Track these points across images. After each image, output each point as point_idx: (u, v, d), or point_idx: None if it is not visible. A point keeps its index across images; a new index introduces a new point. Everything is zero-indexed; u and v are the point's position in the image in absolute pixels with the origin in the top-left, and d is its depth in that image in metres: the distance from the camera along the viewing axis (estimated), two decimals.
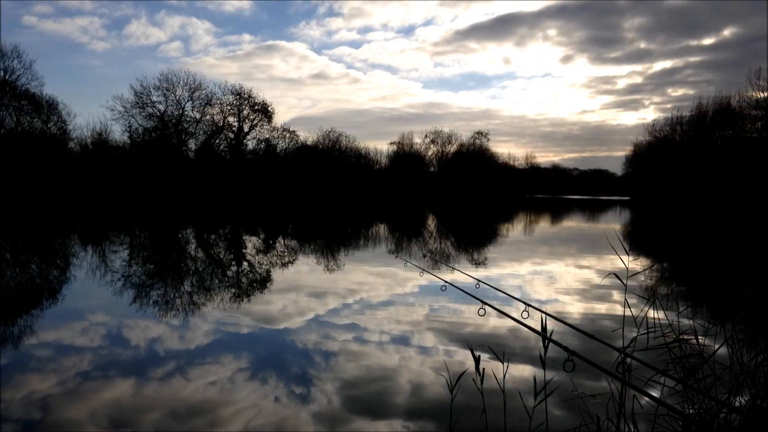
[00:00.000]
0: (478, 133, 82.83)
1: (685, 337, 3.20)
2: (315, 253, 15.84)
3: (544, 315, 3.07)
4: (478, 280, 5.60)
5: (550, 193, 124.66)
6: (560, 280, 10.97)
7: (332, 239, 20.44)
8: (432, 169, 79.79)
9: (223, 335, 6.61)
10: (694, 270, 13.61)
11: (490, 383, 2.84)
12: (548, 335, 2.80)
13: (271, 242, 19.18)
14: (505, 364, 2.92)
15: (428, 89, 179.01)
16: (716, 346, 3.16)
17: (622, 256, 3.31)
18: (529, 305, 3.79)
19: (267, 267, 12.67)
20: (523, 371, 5.30)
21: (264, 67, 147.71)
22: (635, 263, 3.51)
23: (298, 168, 55.60)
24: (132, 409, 4.36)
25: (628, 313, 3.18)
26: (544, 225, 31.93)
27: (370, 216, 35.64)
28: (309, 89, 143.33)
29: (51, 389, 4.78)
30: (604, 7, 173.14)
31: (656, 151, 61.16)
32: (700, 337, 3.24)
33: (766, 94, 43.88)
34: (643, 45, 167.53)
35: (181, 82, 52.82)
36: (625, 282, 3.19)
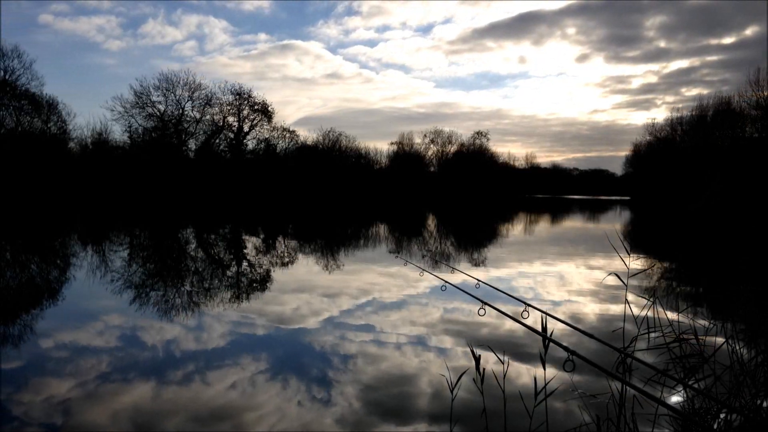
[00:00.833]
0: (477, 133, 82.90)
1: (686, 336, 3.20)
2: (315, 253, 15.84)
3: (544, 315, 3.07)
4: (478, 280, 5.60)
5: (550, 193, 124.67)
6: (560, 279, 10.97)
7: (332, 239, 20.44)
8: (432, 169, 79.80)
9: (224, 335, 6.60)
10: (695, 270, 13.61)
11: (490, 383, 2.84)
12: (548, 335, 2.80)
13: (271, 242, 19.18)
14: (505, 363, 2.92)
15: (440, 88, 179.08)
16: (716, 346, 3.16)
17: (622, 256, 3.30)
18: (529, 305, 3.79)
19: (266, 267, 12.67)
20: (523, 371, 5.30)
21: (278, 66, 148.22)
22: (636, 263, 3.51)
23: (297, 168, 55.60)
24: (145, 411, 4.36)
25: (628, 312, 3.17)
26: (544, 225, 31.93)
27: (370, 216, 35.64)
28: (321, 89, 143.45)
29: (69, 392, 4.77)
30: (627, 6, 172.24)
31: (656, 152, 61.18)
32: (700, 337, 3.24)
33: (766, 94, 43.89)
34: (662, 44, 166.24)
35: (180, 82, 52.87)
36: (625, 282, 3.19)
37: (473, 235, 24.03)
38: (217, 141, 56.00)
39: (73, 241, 18.54)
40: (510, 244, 19.29)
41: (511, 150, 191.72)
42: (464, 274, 7.16)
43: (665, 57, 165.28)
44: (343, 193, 56.20)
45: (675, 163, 53.18)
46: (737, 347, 3.18)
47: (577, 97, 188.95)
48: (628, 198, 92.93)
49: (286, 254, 15.44)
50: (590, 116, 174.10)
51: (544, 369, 2.65)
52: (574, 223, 34.33)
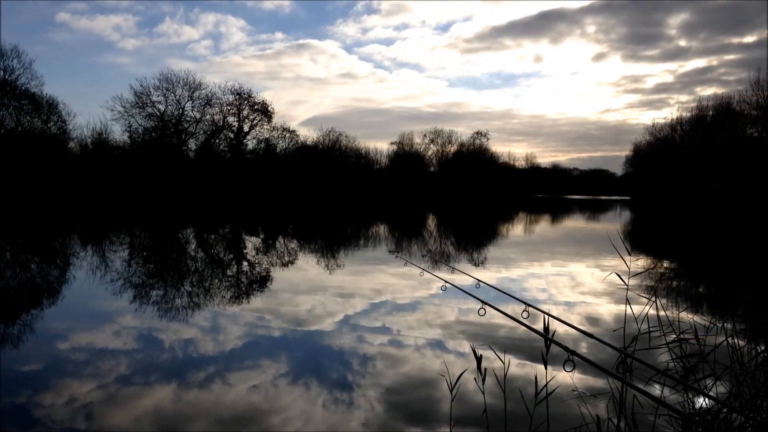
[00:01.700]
0: (477, 133, 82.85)
1: (686, 336, 3.20)
2: (315, 253, 15.84)
3: (544, 315, 3.07)
4: (479, 280, 5.60)
5: (550, 193, 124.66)
6: (561, 279, 10.97)
7: (332, 239, 20.44)
8: (432, 169, 79.77)
9: (226, 336, 6.60)
10: (695, 270, 13.61)
11: (491, 383, 2.84)
12: (548, 335, 2.80)
13: (271, 242, 19.18)
14: (506, 363, 2.92)
15: (453, 87, 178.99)
16: (716, 346, 3.16)
17: (623, 256, 3.31)
18: (530, 305, 3.79)
19: (265, 268, 12.67)
20: (523, 371, 5.30)
21: (291, 66, 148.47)
22: (636, 263, 3.51)
23: (297, 168, 55.59)
24: (162, 413, 4.36)
25: (628, 312, 3.18)
26: (544, 225, 31.93)
27: (371, 216, 35.64)
28: (333, 88, 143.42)
29: (89, 393, 4.76)
30: (651, 5, 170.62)
31: (656, 152, 61.18)
32: (700, 337, 3.25)
33: (766, 94, 43.89)
34: (683, 42, 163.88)
35: (181, 82, 52.87)
36: (626, 282, 3.19)
37: (473, 235, 24.03)
38: (217, 141, 56.02)
39: (73, 241, 18.54)
40: (510, 244, 19.30)
41: (517, 150, 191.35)
42: (464, 274, 7.17)
43: (683, 56, 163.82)
44: (343, 193, 56.20)
45: (675, 163, 53.19)
46: (737, 347, 3.18)
47: (590, 96, 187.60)
48: (628, 198, 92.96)
49: (286, 255, 15.44)
50: (601, 116, 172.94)
51: (546, 369, 2.65)
52: (574, 223, 34.33)
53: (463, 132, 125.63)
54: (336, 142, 64.37)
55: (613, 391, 2.89)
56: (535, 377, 2.94)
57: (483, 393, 2.79)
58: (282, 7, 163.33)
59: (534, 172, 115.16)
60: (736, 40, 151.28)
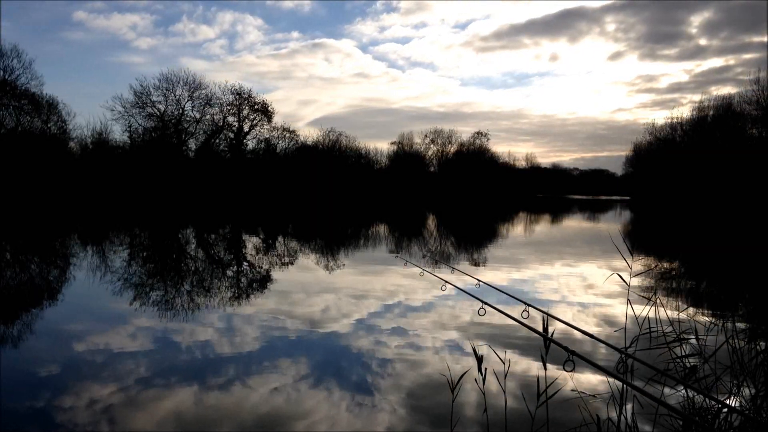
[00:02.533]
0: (477, 133, 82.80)
1: (686, 336, 3.20)
2: (315, 254, 15.84)
3: (544, 315, 3.07)
4: (479, 280, 5.60)
5: (550, 193, 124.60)
6: (561, 279, 10.97)
7: (332, 239, 20.44)
8: (432, 169, 79.72)
9: (226, 337, 6.60)
10: (695, 270, 13.61)
11: (491, 383, 2.84)
12: (548, 335, 2.80)
13: (271, 242, 19.18)
14: (506, 364, 2.92)
15: (465, 87, 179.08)
16: (716, 346, 3.17)
17: (624, 256, 3.31)
18: (530, 305, 3.79)
19: (264, 269, 12.68)
20: (523, 371, 5.30)
21: (305, 65, 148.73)
22: (636, 263, 3.52)
23: (297, 168, 55.57)
24: (175, 414, 4.36)
25: (629, 312, 3.18)
26: (544, 225, 31.93)
27: (371, 216, 35.63)
28: (345, 88, 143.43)
29: (111, 396, 4.77)
30: (675, 5, 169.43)
31: (656, 151, 61.14)
32: (700, 337, 3.25)
33: (766, 94, 43.88)
34: (703, 41, 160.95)
35: (181, 82, 52.83)
36: (627, 282, 3.19)
37: (473, 236, 24.03)
38: (217, 141, 55.97)
39: (73, 241, 18.54)
40: (510, 244, 19.30)
41: (524, 150, 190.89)
42: (464, 274, 7.16)
43: (701, 55, 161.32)
44: (343, 193, 56.18)
45: (675, 163, 53.17)
46: (737, 347, 3.19)
47: (603, 96, 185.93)
48: (628, 198, 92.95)
49: (285, 256, 15.44)
50: (612, 115, 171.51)
51: (545, 369, 2.65)
52: (574, 223, 34.32)
53: (470, 132, 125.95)
54: (336, 142, 64.37)
55: (613, 391, 2.89)
56: (537, 378, 2.95)
57: (483, 393, 2.79)
58: (302, 6, 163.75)
59: (534, 172, 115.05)
60: (757, 38, 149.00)
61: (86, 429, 3.99)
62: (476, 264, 13.20)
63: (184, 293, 9.44)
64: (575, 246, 19.59)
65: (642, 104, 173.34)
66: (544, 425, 2.89)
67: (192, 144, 54.29)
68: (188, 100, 53.07)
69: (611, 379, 2.50)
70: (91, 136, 46.76)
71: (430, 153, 79.84)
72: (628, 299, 3.21)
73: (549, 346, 2.75)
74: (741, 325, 6.37)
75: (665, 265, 13.83)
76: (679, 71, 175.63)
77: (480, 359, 2.67)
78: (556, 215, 42.98)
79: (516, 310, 3.79)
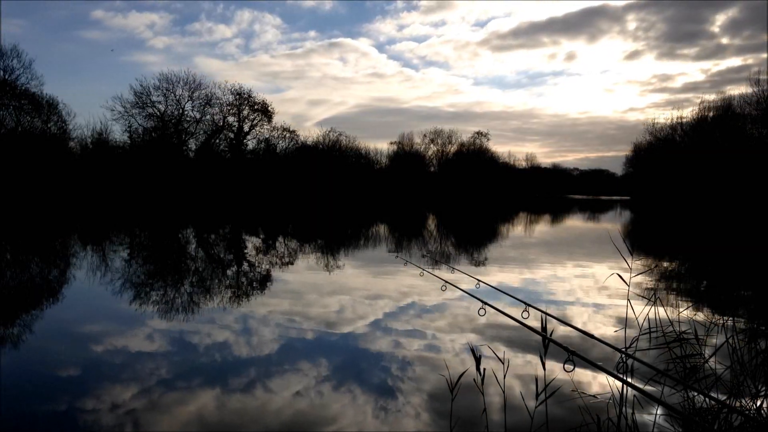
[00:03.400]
0: (477, 132, 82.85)
1: (686, 336, 3.20)
2: (315, 254, 15.83)
3: (544, 315, 3.07)
4: (479, 280, 5.61)
5: (550, 193, 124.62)
6: (561, 279, 10.97)
7: (332, 239, 20.44)
8: (432, 169, 79.75)
9: (227, 337, 6.60)
10: (695, 270, 13.61)
11: (491, 383, 2.84)
12: (548, 335, 2.80)
13: (271, 243, 19.18)
14: (505, 364, 2.92)
15: (478, 86, 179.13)
16: (716, 346, 3.16)
17: (624, 256, 3.31)
18: (530, 305, 3.79)
19: (264, 268, 12.68)
20: (523, 371, 5.30)
21: (320, 65, 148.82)
22: (636, 263, 3.52)
23: (297, 168, 55.57)
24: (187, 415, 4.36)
25: (629, 313, 3.18)
26: (544, 225, 31.93)
27: (371, 216, 35.63)
28: (358, 88, 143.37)
29: (134, 399, 4.77)
30: (701, 3, 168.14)
31: (656, 151, 61.15)
32: (700, 337, 3.25)
33: (766, 94, 43.89)
34: (725, 40, 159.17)
35: (181, 82, 52.85)
36: (627, 282, 3.19)
37: (473, 236, 24.03)
38: (217, 141, 55.99)
39: (74, 240, 18.55)
40: (510, 244, 19.29)
41: (532, 150, 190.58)
42: (464, 274, 7.16)
43: (721, 54, 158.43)
44: (343, 193, 56.19)
45: (675, 163, 53.17)
46: (737, 347, 3.19)
47: (616, 95, 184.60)
48: (628, 198, 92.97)
49: (285, 256, 15.44)
50: (623, 115, 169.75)
51: (544, 369, 2.65)
52: (574, 223, 34.32)
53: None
54: (336, 142, 64.38)
55: (614, 391, 2.89)
56: (536, 378, 2.94)
57: (482, 393, 2.79)
58: (322, 5, 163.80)
59: (534, 172, 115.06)
60: None
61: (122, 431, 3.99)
62: (476, 264, 13.20)
63: (184, 293, 9.44)
64: (575, 246, 19.59)
65: (654, 104, 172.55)
66: (543, 425, 2.89)
67: (192, 144, 54.35)
68: (188, 100, 53.12)
69: (611, 379, 2.49)
70: (91, 136, 46.79)
71: (430, 153, 79.92)
72: (628, 299, 3.21)
73: (548, 346, 2.75)
74: (741, 325, 6.37)
75: (665, 265, 13.82)
76: (695, 71, 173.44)
77: (479, 359, 2.67)
78: (556, 215, 42.98)
79: (516, 310, 3.79)
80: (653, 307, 3.28)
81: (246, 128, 57.80)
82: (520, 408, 4.17)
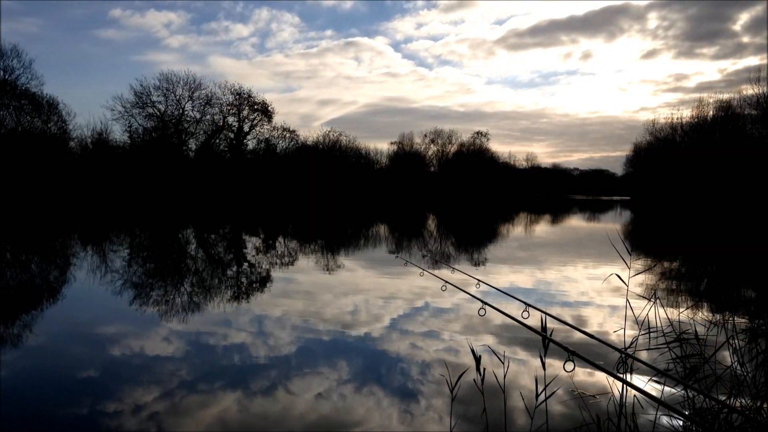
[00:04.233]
0: (477, 132, 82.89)
1: (686, 336, 3.20)
2: (315, 254, 15.83)
3: (544, 315, 3.07)
4: (479, 280, 5.60)
5: (550, 193, 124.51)
6: (561, 279, 10.97)
7: (332, 239, 20.44)
8: (432, 169, 79.76)
9: (226, 336, 6.60)
10: (695, 270, 13.61)
11: (491, 383, 2.84)
12: (548, 335, 2.80)
13: (271, 243, 19.18)
14: (505, 364, 2.92)
15: (490, 85, 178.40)
16: (716, 346, 3.16)
17: (623, 256, 3.31)
18: (530, 305, 3.79)
19: (264, 269, 12.68)
20: (523, 371, 5.30)
21: (334, 64, 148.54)
22: (636, 263, 3.52)
23: (297, 168, 55.58)
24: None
25: (629, 312, 3.17)
26: (544, 225, 31.92)
27: (371, 216, 35.63)
28: (369, 87, 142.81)
29: (155, 402, 4.77)
30: (725, 3, 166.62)
31: (656, 151, 61.15)
32: (700, 337, 3.25)
33: (766, 93, 43.88)
34: (745, 39, 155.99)
35: (181, 82, 52.86)
36: (626, 282, 3.19)
37: (473, 236, 24.03)
38: (217, 141, 56.01)
39: (74, 240, 18.54)
40: (510, 244, 19.29)
41: (538, 150, 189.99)
42: (464, 274, 7.16)
43: (740, 53, 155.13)
44: (343, 193, 56.19)
45: (675, 163, 53.18)
46: (737, 347, 3.18)
47: (629, 95, 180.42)
48: (628, 198, 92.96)
49: (285, 256, 15.44)
50: (633, 115, 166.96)
51: (544, 369, 2.65)
52: (574, 223, 34.32)
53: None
54: (336, 142, 64.39)
55: (613, 391, 2.89)
56: (536, 378, 2.94)
57: (482, 393, 2.79)
58: (342, 4, 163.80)
59: (534, 172, 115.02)
60: None
61: None
62: (476, 264, 13.19)
63: (184, 294, 9.44)
64: (575, 246, 19.59)
65: (667, 103, 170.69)
66: (543, 425, 2.89)
67: (192, 144, 54.38)
68: (188, 100, 53.15)
69: (611, 379, 2.49)
70: (92, 136, 46.79)
71: (430, 153, 79.94)
72: (628, 299, 3.21)
73: (547, 346, 2.75)
74: (741, 325, 6.36)
75: (665, 265, 13.81)
76: (713, 70, 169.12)
77: (478, 359, 2.67)
78: (556, 215, 42.98)
79: (516, 310, 3.79)
80: (653, 307, 3.28)
81: (246, 128, 57.85)
82: (520, 408, 4.17)
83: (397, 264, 12.33)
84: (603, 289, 9.73)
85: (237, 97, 56.39)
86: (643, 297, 3.53)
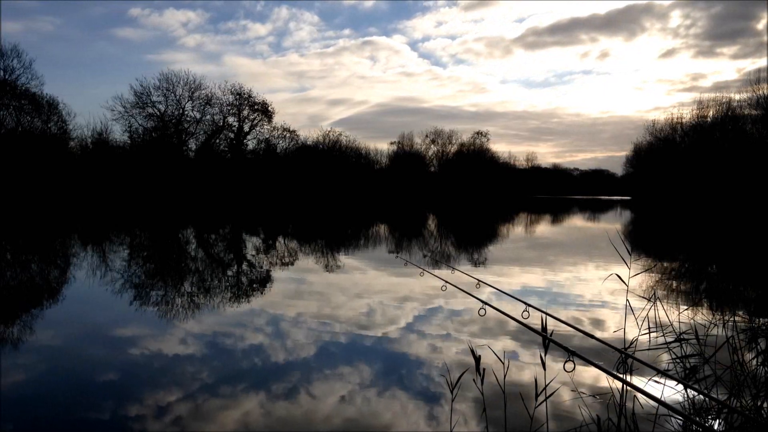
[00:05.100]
0: (477, 132, 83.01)
1: (686, 336, 3.20)
2: (315, 254, 15.83)
3: (544, 315, 3.07)
4: (479, 280, 5.60)
5: (550, 193, 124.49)
6: (561, 280, 10.96)
7: (332, 239, 20.44)
8: (432, 169, 79.81)
9: (226, 336, 6.60)
10: (695, 270, 13.60)
11: (491, 383, 2.84)
12: (548, 335, 2.80)
13: (271, 243, 19.18)
14: (505, 364, 2.92)
15: (504, 84, 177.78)
16: (716, 346, 3.16)
17: (623, 256, 3.30)
18: (530, 305, 3.79)
19: (264, 269, 12.67)
20: (523, 371, 5.29)
21: (349, 64, 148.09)
22: (636, 263, 3.51)
23: (298, 168, 55.60)
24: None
25: (629, 313, 3.17)
26: (544, 225, 31.91)
27: (371, 216, 35.62)
28: (382, 87, 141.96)
29: (178, 403, 4.77)
30: (750, 3, 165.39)
31: (656, 152, 61.16)
32: (700, 337, 3.25)
33: (765, 93, 43.88)
34: (766, 38, 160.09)
35: (181, 82, 52.89)
36: (626, 282, 3.19)
37: (473, 236, 24.03)
38: (217, 141, 56.06)
39: (74, 241, 18.54)
40: (510, 244, 19.29)
41: (544, 150, 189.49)
42: (464, 274, 7.16)
43: (759, 53, 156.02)
44: (344, 193, 56.19)
45: (675, 163, 53.18)
46: (738, 347, 3.18)
47: (644, 94, 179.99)
48: (628, 198, 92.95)
49: (285, 256, 15.44)
50: (645, 115, 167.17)
51: (544, 369, 2.65)
52: (574, 223, 34.31)
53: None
54: (336, 142, 64.42)
55: (613, 391, 2.89)
56: (536, 378, 2.94)
57: (482, 393, 2.78)
58: (362, 3, 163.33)
59: (534, 172, 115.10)
60: None
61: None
62: (476, 264, 13.19)
63: (183, 294, 9.43)
64: (575, 246, 19.58)
65: (680, 103, 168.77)
66: (543, 425, 2.88)
67: (192, 144, 54.45)
68: (188, 100, 53.20)
69: (611, 379, 2.49)
70: (92, 136, 46.82)
71: (430, 153, 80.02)
72: (628, 300, 3.21)
73: (548, 346, 2.75)
74: (741, 325, 6.36)
75: (665, 265, 13.81)
76: (731, 69, 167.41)
77: (478, 359, 2.66)
78: (556, 215, 42.97)
79: (516, 310, 3.79)
80: (653, 307, 3.28)
81: (246, 128, 57.89)
82: (520, 408, 4.17)
83: (397, 264, 12.32)
84: (603, 289, 9.73)
85: (237, 97, 56.48)
86: (643, 297, 3.53)
